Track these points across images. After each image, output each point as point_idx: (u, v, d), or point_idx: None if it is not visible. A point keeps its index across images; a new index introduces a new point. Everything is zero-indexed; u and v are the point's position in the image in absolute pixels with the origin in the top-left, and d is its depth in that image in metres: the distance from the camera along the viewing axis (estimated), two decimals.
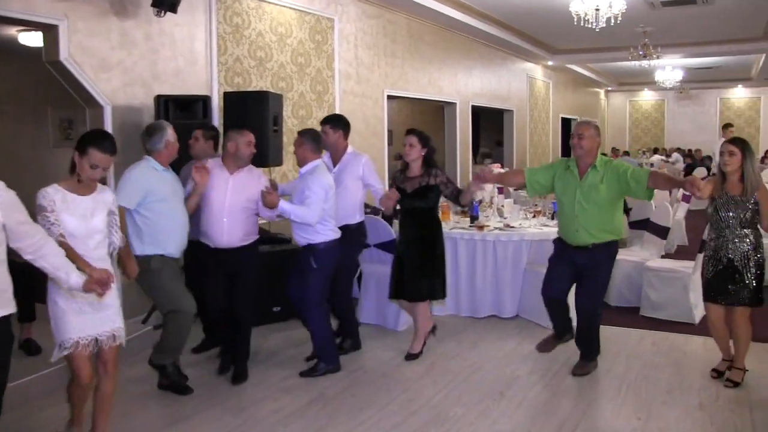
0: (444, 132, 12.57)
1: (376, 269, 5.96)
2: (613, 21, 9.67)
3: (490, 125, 17.63)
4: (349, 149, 5.50)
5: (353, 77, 9.12)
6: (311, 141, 4.91)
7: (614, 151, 20.31)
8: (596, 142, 4.76)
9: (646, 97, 26.19)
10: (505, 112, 15.43)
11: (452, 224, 6.72)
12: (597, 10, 9.54)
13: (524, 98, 16.29)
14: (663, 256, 8.66)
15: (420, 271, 5.21)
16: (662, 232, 7.12)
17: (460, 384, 4.86)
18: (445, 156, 12.37)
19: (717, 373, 4.88)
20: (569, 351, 5.42)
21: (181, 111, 5.73)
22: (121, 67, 5.81)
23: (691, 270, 6.15)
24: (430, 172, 5.21)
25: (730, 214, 4.54)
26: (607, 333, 5.95)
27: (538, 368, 5.13)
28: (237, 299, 4.86)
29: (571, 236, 4.84)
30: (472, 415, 4.31)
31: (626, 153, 19.43)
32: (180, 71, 6.39)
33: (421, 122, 14.56)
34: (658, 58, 14.25)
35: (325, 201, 4.79)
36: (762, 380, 4.85)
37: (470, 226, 6.61)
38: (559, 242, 5.03)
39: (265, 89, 7.20)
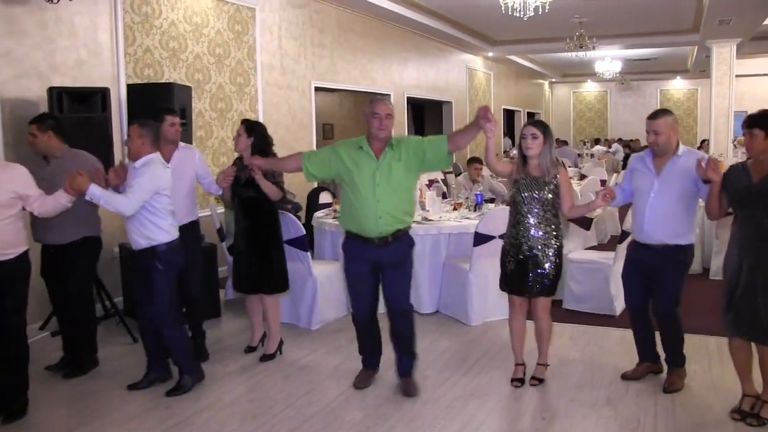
0: None
1: (288, 267, 5.74)
2: (541, 10, 9.60)
3: (436, 117, 17.48)
4: (182, 144, 5.10)
5: (277, 68, 8.88)
6: (152, 134, 4.47)
7: (559, 142, 20.40)
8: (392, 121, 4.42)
9: (590, 89, 26.44)
10: (443, 103, 15.33)
11: None
12: None
13: (464, 90, 16.22)
14: (593, 247, 8.71)
15: (257, 263, 5.06)
16: (585, 223, 7.05)
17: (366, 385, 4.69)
18: None
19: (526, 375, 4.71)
20: (482, 348, 5.31)
21: (79, 104, 5.41)
22: (10, 58, 5.48)
23: (612, 261, 6.09)
24: None
25: (534, 195, 4.31)
26: (528, 328, 5.86)
27: (448, 367, 4.98)
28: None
29: (370, 227, 4.28)
30: (370, 419, 4.13)
31: (564, 142, 19.51)
32: (82, 62, 6.08)
33: (356, 114, 14.39)
34: (593, 48, 14.30)
35: (154, 195, 4.33)
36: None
37: None
38: (353, 239, 4.44)
39: (178, 81, 6.93)
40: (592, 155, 18.67)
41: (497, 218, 5.56)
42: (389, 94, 12.09)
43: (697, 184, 4.17)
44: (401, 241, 4.38)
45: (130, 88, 6.11)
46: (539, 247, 4.35)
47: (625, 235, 5.72)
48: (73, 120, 5.13)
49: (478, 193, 7.42)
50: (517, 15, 9.77)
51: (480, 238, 5.75)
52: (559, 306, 6.43)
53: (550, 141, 4.33)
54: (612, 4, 11.94)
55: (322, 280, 5.93)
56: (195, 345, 5.08)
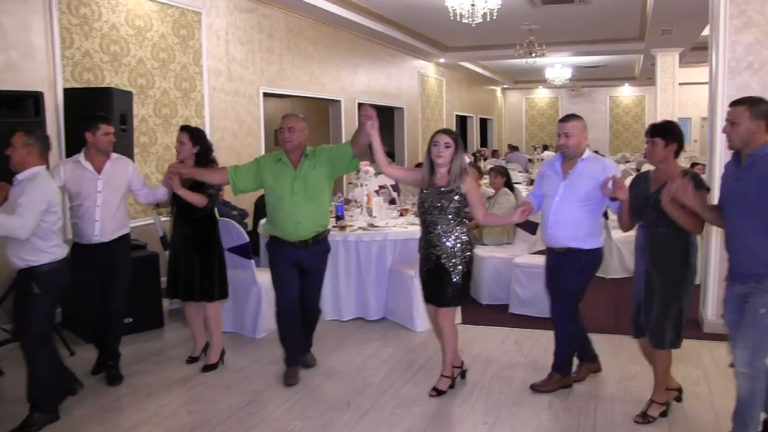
0: (329, 129, 12.36)
1: (231, 275, 5.64)
2: (489, 17, 9.66)
3: (388, 123, 17.44)
4: (114, 155, 4.87)
5: (224, 74, 8.76)
6: (40, 144, 4.07)
7: (511, 147, 20.59)
8: (306, 133, 4.72)
9: (541, 95, 26.76)
10: (395, 109, 15.33)
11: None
12: (473, 5, 9.51)
13: (416, 96, 16.26)
14: (539, 252, 8.76)
15: (198, 271, 4.98)
16: (532, 228, 7.07)
17: (309, 394, 4.63)
18: None
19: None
20: (426, 354, 5.29)
21: (8, 109, 5.20)
22: None
23: None
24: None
25: (438, 204, 4.30)
26: (474, 332, 5.89)
27: (392, 374, 4.95)
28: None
29: (290, 231, 4.64)
30: (311, 428, 4.07)
31: (515, 148, 19.72)
32: (13, 65, 5.88)
33: (317, 121, 14.21)
34: (543, 55, 14.48)
35: (47, 213, 3.96)
36: (612, 373, 4.85)
37: (333, 227, 6.38)
38: (276, 241, 4.77)
39: (120, 86, 6.77)
40: (542, 160, 18.85)
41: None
42: (339, 100, 12.05)
43: (601, 191, 4.20)
44: (320, 245, 4.77)
45: (67, 92, 5.94)
46: (447, 256, 4.34)
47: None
48: (2, 126, 4.90)
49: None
50: (466, 21, 9.82)
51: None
52: (504, 311, 6.46)
53: (460, 150, 4.34)
54: (560, 12, 12.09)
55: (266, 288, 5.81)
56: (106, 366, 4.86)
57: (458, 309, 4.57)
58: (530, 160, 17.98)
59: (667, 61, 14.12)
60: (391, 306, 6.21)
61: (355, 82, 12.77)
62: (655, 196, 3.86)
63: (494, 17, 9.76)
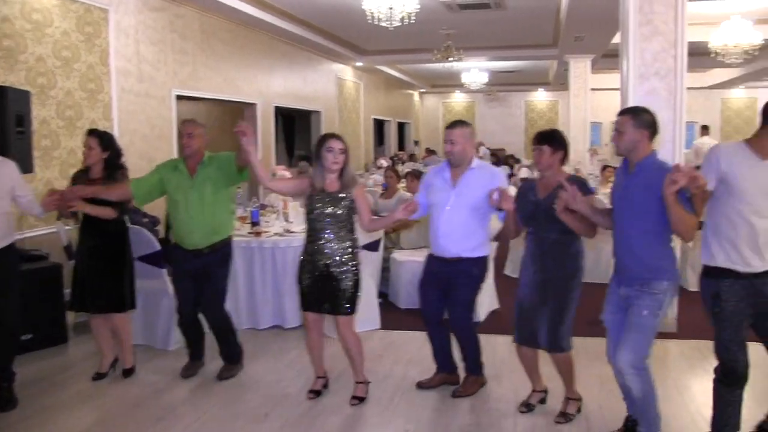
0: None
1: (142, 284, 5.38)
2: (407, 20, 9.64)
3: (305, 127, 17.21)
4: None
5: (134, 75, 8.41)
6: None
7: (428, 151, 20.75)
8: (205, 139, 4.73)
9: (458, 99, 27.06)
10: (312, 113, 15.19)
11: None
12: (391, 9, 9.47)
13: (333, 99, 16.15)
14: None
15: (107, 282, 4.79)
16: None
17: (225, 406, 4.46)
18: None
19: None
20: (346, 361, 5.17)
21: None
22: None
23: None
24: (114, 175, 4.79)
25: (328, 211, 4.23)
26: (393, 337, 5.84)
27: (309, 384, 4.80)
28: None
29: (185, 239, 4.73)
30: None
31: (433, 152, 19.91)
32: None
33: (232, 125, 13.90)
34: (460, 60, 14.59)
35: None
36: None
37: (249, 233, 6.21)
38: (176, 248, 4.87)
39: (15, 85, 6.38)
40: None
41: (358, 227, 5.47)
42: (255, 104, 11.81)
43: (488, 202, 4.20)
44: (216, 254, 4.76)
45: None
46: (336, 264, 4.26)
47: (497, 238, 5.74)
48: None
49: None
50: (384, 24, 9.77)
51: None
52: (396, 311, 6.44)
53: (349, 156, 4.29)
54: (477, 17, 12.22)
55: None
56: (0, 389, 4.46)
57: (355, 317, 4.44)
58: None
59: (579, 67, 14.51)
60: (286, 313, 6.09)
61: (271, 85, 12.55)
62: (545, 203, 3.89)
63: (412, 21, 9.75)
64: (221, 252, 4.79)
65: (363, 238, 5.13)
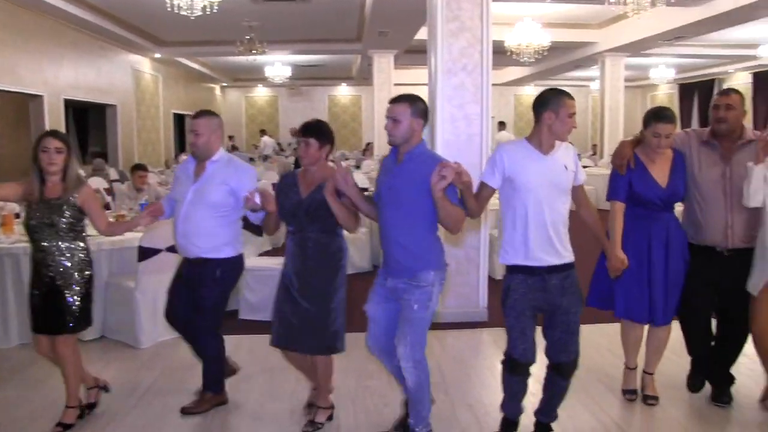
0: (30, 129, 10.99)
1: None
2: (209, 10, 9.24)
3: (100, 122, 16.01)
4: None
5: None
6: None
7: (232, 148, 20.29)
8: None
9: (261, 93, 26.67)
10: (107, 107, 14.20)
11: (16, 237, 5.58)
12: None
13: (130, 92, 15.24)
14: (266, 252, 8.57)
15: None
16: (257, 229, 6.80)
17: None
18: None
19: None
20: (154, 374, 4.81)
21: None
22: None
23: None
24: None
25: (48, 220, 3.70)
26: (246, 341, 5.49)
27: (117, 400, 4.34)
28: None
29: None
30: None
31: (235, 148, 19.54)
32: None
33: (15, 120, 12.51)
34: (264, 53, 14.32)
35: None
36: (350, 373, 4.76)
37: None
38: None
39: None
40: (265, 158, 18.76)
41: (162, 230, 5.10)
42: (42, 96, 10.78)
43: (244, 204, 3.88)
44: None
45: None
46: (64, 278, 3.79)
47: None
48: None
49: (143, 202, 6.85)
50: (185, 13, 9.29)
51: (145, 253, 5.22)
52: (234, 317, 6.14)
53: (73, 155, 3.86)
54: (281, 9, 12.02)
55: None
56: None
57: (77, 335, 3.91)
58: (251, 159, 17.81)
59: (383, 62, 14.78)
60: (110, 323, 5.57)
61: (60, 76, 11.53)
62: (307, 201, 3.70)
63: (214, 11, 9.37)
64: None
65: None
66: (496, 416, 3.84)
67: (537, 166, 3.35)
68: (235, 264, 4.11)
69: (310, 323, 3.72)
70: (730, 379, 4.29)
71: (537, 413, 3.72)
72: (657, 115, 3.89)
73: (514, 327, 3.42)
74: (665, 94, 25.60)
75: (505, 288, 3.46)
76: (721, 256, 4.00)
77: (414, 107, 3.40)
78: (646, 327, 4.21)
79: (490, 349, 5.45)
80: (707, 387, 4.35)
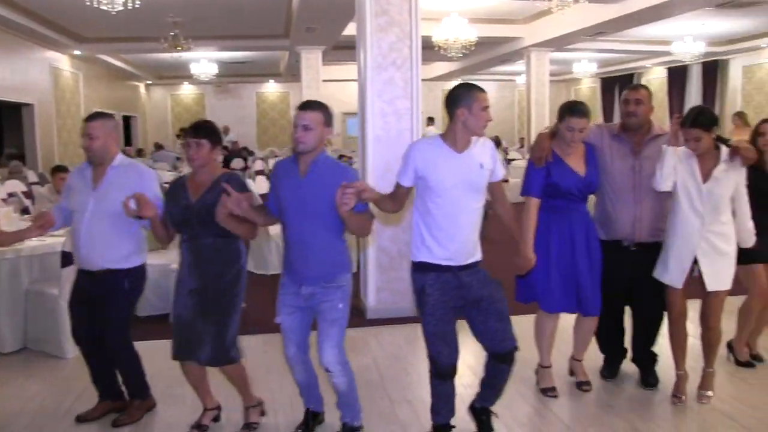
0: None
1: None
2: (131, 5, 8.97)
3: (16, 122, 15.32)
4: None
5: None
6: None
7: (157, 146, 19.83)
8: None
9: (187, 91, 26.14)
10: (23, 106, 13.66)
11: None
12: None
13: (48, 91, 14.71)
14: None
15: None
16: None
17: None
18: None
19: None
20: (81, 384, 4.63)
21: None
22: None
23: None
24: None
25: None
26: (138, 347, 5.29)
27: (40, 416, 4.16)
28: None
29: None
30: None
31: (161, 146, 19.11)
32: None
33: None
34: (189, 50, 14.02)
35: None
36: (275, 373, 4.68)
37: None
38: None
39: None
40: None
41: None
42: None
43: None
44: None
45: None
46: None
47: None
48: None
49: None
50: (105, 8, 9.00)
51: (68, 258, 4.98)
52: (166, 320, 5.94)
53: None
54: (206, 4, 11.78)
55: None
56: None
57: None
58: (178, 158, 17.44)
59: (311, 59, 14.66)
60: (32, 333, 5.30)
61: None
62: (199, 204, 3.52)
63: (136, 5, 9.10)
64: None
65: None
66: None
67: (450, 165, 3.30)
68: (143, 273, 3.98)
69: (209, 334, 3.54)
70: (654, 358, 4.43)
71: (477, 401, 3.71)
72: (571, 110, 3.92)
73: (435, 333, 3.36)
74: (588, 88, 26.32)
75: (419, 289, 3.38)
76: (628, 251, 4.12)
77: (326, 115, 3.33)
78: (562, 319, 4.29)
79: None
80: (632, 371, 4.51)
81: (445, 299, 3.33)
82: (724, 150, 3.87)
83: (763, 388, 4.40)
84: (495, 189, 3.55)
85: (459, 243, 3.33)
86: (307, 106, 3.34)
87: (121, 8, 9.08)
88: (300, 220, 3.36)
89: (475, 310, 3.39)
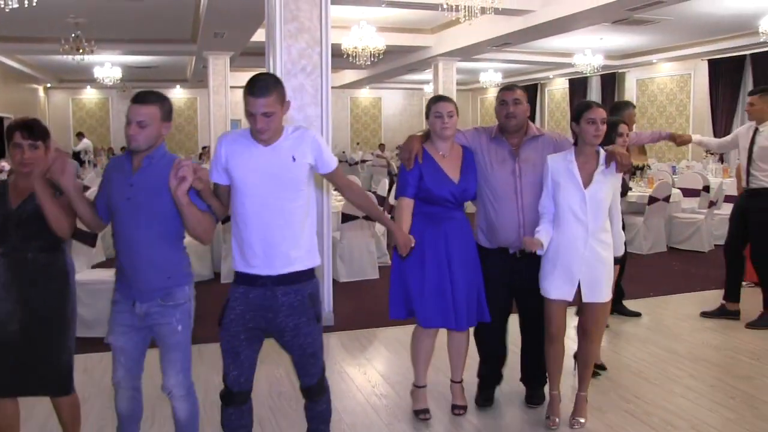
0: None
1: None
2: (28, 2, 8.60)
3: None
4: None
5: None
6: None
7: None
8: None
9: (90, 95, 25.31)
10: None
11: None
12: None
13: None
14: (100, 264, 8.05)
15: None
16: (90, 239, 6.37)
17: None
18: None
19: None
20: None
21: None
22: None
23: None
24: None
25: None
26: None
27: None
28: None
29: None
30: None
31: (110, 150, 18.51)
32: None
33: None
34: (92, 52, 13.58)
35: None
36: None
37: None
38: None
39: None
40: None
41: None
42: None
43: None
44: None
45: None
46: None
47: None
48: None
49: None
50: None
51: None
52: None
53: None
54: (110, 6, 11.44)
55: None
56: None
57: None
58: (95, 165, 16.87)
59: (219, 64, 14.45)
60: None
61: None
62: (19, 212, 3.08)
63: (33, 4, 8.74)
64: None
65: None
66: (349, 421, 3.87)
67: (255, 159, 2.93)
68: None
69: (39, 362, 3.11)
70: (543, 380, 4.20)
71: None
72: (435, 98, 3.88)
73: (227, 350, 3.00)
74: (494, 97, 26.97)
75: (225, 300, 3.03)
76: (513, 258, 3.96)
77: (164, 110, 2.95)
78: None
79: (340, 354, 5.43)
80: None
81: (246, 318, 2.97)
82: (602, 154, 3.76)
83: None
84: (334, 179, 3.20)
85: (268, 248, 2.94)
86: (143, 98, 2.92)
87: (16, 6, 8.67)
88: (132, 226, 2.95)
89: (278, 338, 3.06)
